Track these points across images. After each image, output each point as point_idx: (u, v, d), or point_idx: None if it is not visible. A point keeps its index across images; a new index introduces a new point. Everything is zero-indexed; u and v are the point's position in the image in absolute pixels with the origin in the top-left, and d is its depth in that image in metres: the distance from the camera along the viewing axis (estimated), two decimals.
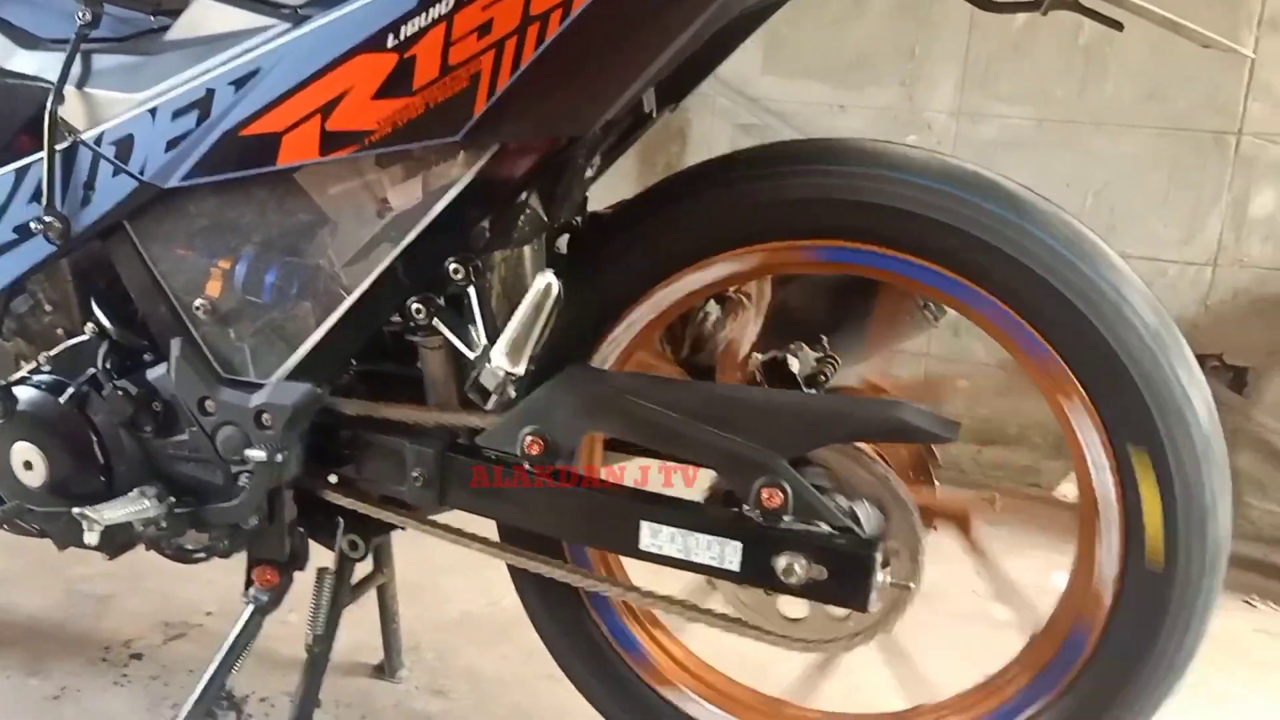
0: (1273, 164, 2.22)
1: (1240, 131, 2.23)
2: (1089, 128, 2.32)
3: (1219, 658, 1.73)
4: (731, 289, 1.16)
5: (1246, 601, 1.97)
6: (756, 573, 0.96)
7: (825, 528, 0.95)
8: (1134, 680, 0.95)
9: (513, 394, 0.99)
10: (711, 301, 1.17)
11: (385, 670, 1.51)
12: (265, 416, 1.05)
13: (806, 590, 0.95)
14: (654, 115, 1.10)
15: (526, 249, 1.09)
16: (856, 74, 2.51)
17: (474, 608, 1.72)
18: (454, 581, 1.77)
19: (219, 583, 1.60)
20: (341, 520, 1.18)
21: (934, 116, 2.45)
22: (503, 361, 0.95)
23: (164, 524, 1.10)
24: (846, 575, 0.94)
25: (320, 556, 1.22)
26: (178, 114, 1.01)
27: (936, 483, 1.10)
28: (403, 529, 1.19)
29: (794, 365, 1.11)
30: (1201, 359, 2.40)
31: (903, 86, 2.47)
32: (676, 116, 2.68)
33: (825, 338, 1.18)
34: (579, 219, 1.16)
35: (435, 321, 1.00)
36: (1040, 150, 2.36)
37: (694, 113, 2.65)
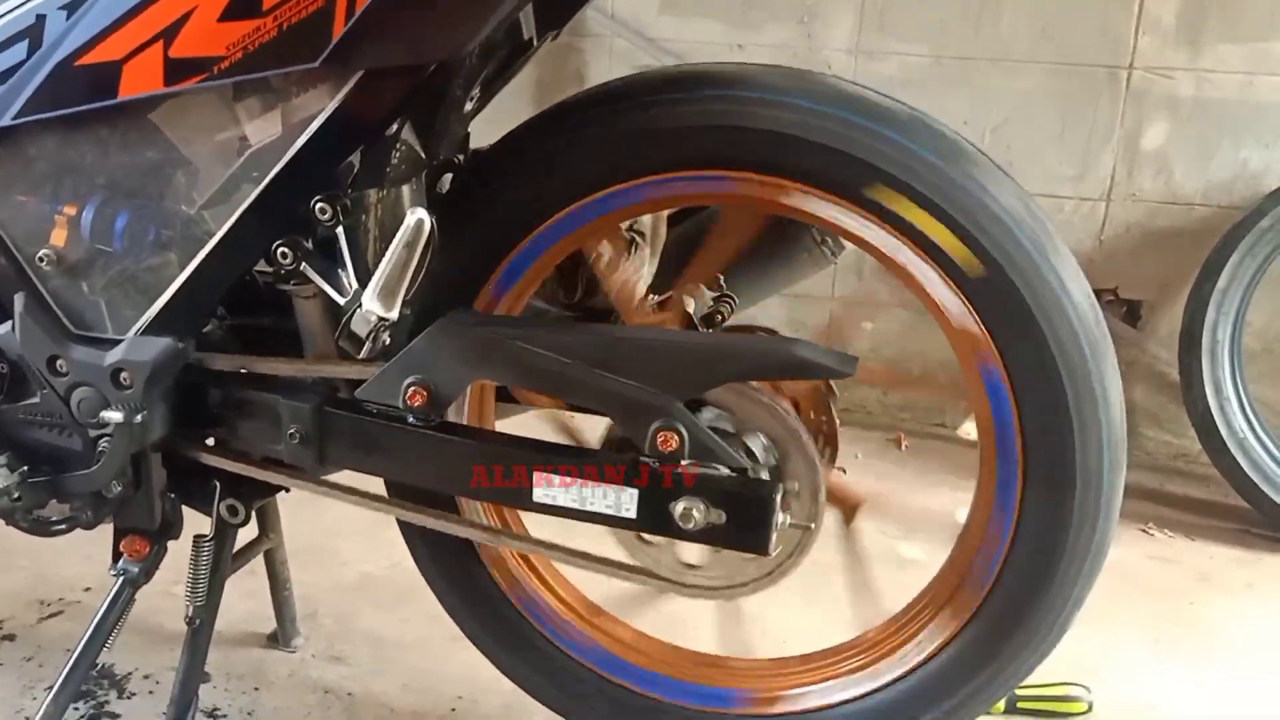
0: (1163, 98, 2.25)
1: (1131, 66, 2.25)
2: (985, 65, 2.32)
3: (1116, 585, 1.78)
4: (623, 227, 1.11)
5: (1143, 530, 2.03)
6: (654, 520, 0.93)
7: (723, 470, 0.92)
8: (1036, 606, 0.95)
9: (387, 341, 0.93)
10: (603, 241, 1.13)
11: (279, 639, 1.44)
12: (123, 375, 0.97)
13: (705, 535, 0.92)
14: (535, 42, 1.04)
15: (405, 189, 1.02)
16: (755, 12, 2.46)
17: (374, 570, 1.66)
18: (353, 545, 1.71)
19: (97, 558, 1.51)
20: (218, 484, 1.10)
21: (833, 55, 2.43)
22: (374, 305, 0.89)
23: (17, 494, 1.02)
24: (746, 519, 0.91)
25: (197, 523, 1.14)
26: (5, 44, 0.92)
27: (838, 422, 1.08)
28: (286, 490, 1.13)
29: (690, 305, 1.08)
30: (1097, 293, 2.46)
31: (801, 25, 2.44)
32: (572, 58, 2.60)
33: (722, 277, 1.14)
34: (461, 156, 1.10)
35: (303, 266, 0.94)
36: (938, 88, 2.35)
37: (590, 54, 2.58)
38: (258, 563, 1.40)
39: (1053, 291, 0.89)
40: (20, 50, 0.92)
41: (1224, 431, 2.04)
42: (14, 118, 0.93)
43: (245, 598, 1.50)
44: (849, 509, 1.05)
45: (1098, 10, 2.24)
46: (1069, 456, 0.91)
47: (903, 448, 2.39)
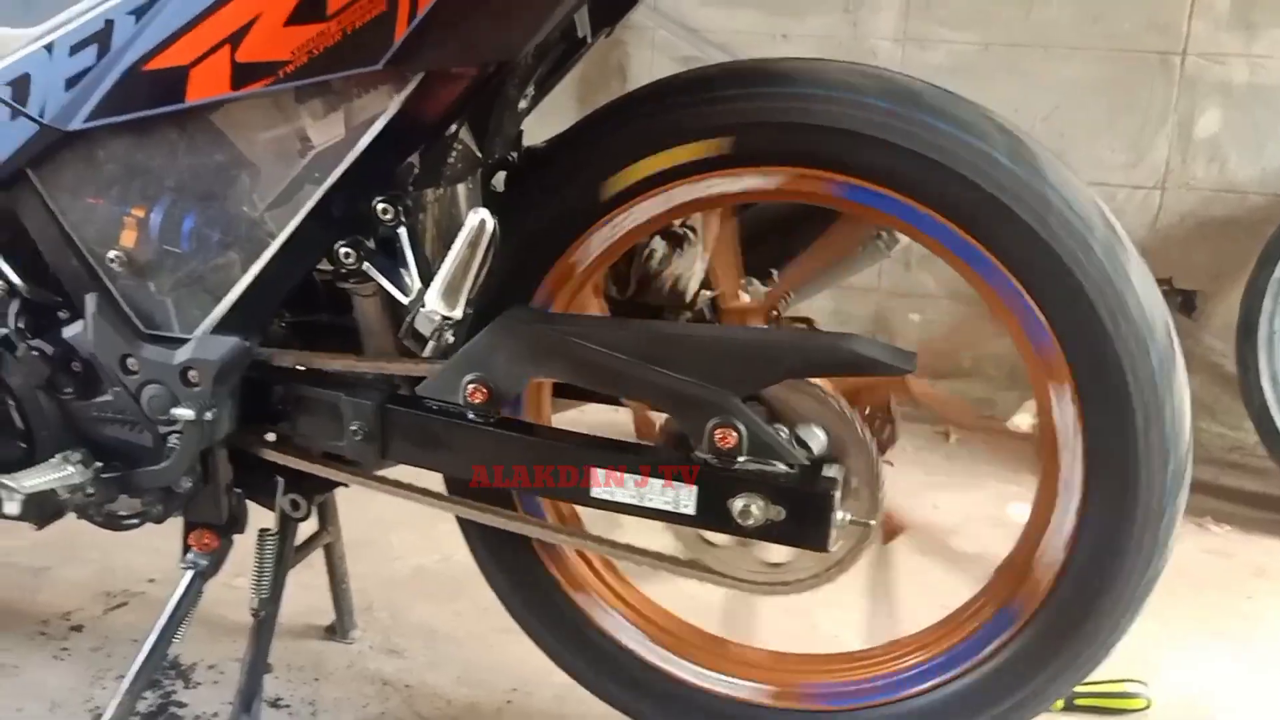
0: (1217, 84, 2.21)
1: (1184, 52, 2.21)
2: (1035, 51, 2.30)
3: (1172, 580, 1.74)
4: (677, 223, 1.12)
5: (1198, 524, 2.00)
6: (713, 516, 0.93)
7: (782, 467, 0.92)
8: (1098, 605, 0.94)
9: (450, 339, 0.95)
10: (657, 238, 1.13)
11: (337, 631, 1.47)
12: (191, 373, 1.00)
13: (764, 532, 0.92)
14: (589, 40, 1.05)
15: (460, 187, 1.03)
16: (798, 1, 2.45)
17: (426, 563, 1.68)
18: (404, 537, 1.73)
19: (161, 550, 1.54)
20: (281, 479, 1.12)
21: (878, 44, 2.41)
22: (438, 305, 0.90)
23: (91, 490, 1.04)
24: (805, 515, 0.91)
25: (262, 517, 1.17)
26: (76, 49, 0.94)
27: (897, 418, 1.08)
28: (346, 486, 1.15)
29: (744, 300, 1.08)
30: None
31: (846, 13, 2.42)
32: (615, 51, 2.61)
33: (775, 271, 1.14)
34: (515, 154, 1.11)
35: (365, 266, 0.95)
36: (986, 75, 2.33)
37: (633, 46, 2.59)
38: (313, 556, 1.42)
39: (1121, 297, 0.89)
40: (90, 55, 0.94)
41: None
42: (84, 122, 0.95)
43: (303, 590, 1.52)
44: (890, 532, 1.05)
45: None
46: (1133, 452, 0.90)
47: (951, 440, 2.37)
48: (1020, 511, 1.02)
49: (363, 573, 1.59)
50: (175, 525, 1.12)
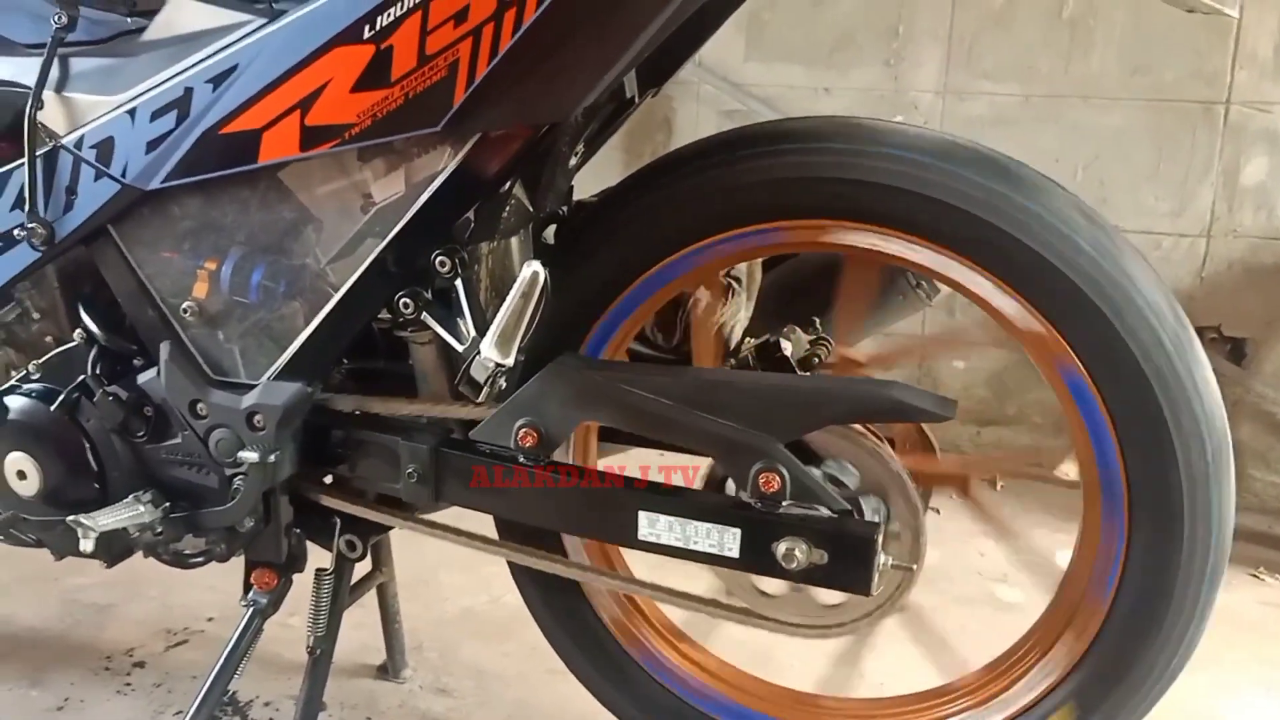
0: (1261, 132, 2.21)
1: (1228, 101, 2.22)
2: (1076, 102, 2.32)
3: (1227, 631, 1.73)
4: (721, 273, 1.15)
5: (1253, 575, 1.97)
6: (756, 559, 0.95)
7: (825, 511, 0.94)
8: (1145, 651, 0.95)
9: (503, 385, 0.98)
10: (701, 287, 1.17)
11: (389, 670, 1.50)
12: (257, 418, 1.04)
13: (808, 575, 0.94)
14: (636, 100, 1.09)
15: (513, 240, 1.08)
16: (840, 55, 2.50)
17: (474, 604, 1.71)
18: (453, 578, 1.77)
19: (219, 588, 1.60)
20: (338, 520, 1.17)
21: (920, 96, 2.44)
22: (492, 353, 0.94)
23: (160, 529, 1.09)
24: (848, 558, 0.93)
25: (319, 557, 1.21)
26: (157, 114, 1.00)
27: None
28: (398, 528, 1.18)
29: (787, 348, 1.11)
30: (1199, 331, 2.41)
31: (887, 66, 2.47)
32: (660, 105, 2.67)
33: (818, 320, 1.17)
34: (565, 208, 1.16)
35: (424, 316, 1.00)
36: (1028, 126, 2.35)
37: (678, 100, 2.65)
38: (363, 595, 1.46)
39: (1149, 325, 0.91)
40: (170, 120, 1.00)
41: None
42: (163, 182, 1.01)
43: (354, 629, 1.56)
44: (959, 483, 1.06)
45: (1192, 45, 2.22)
46: (1175, 494, 0.91)
47: (998, 488, 2.36)
48: (1066, 559, 1.03)
49: (413, 613, 1.63)
50: (231, 565, 1.16)
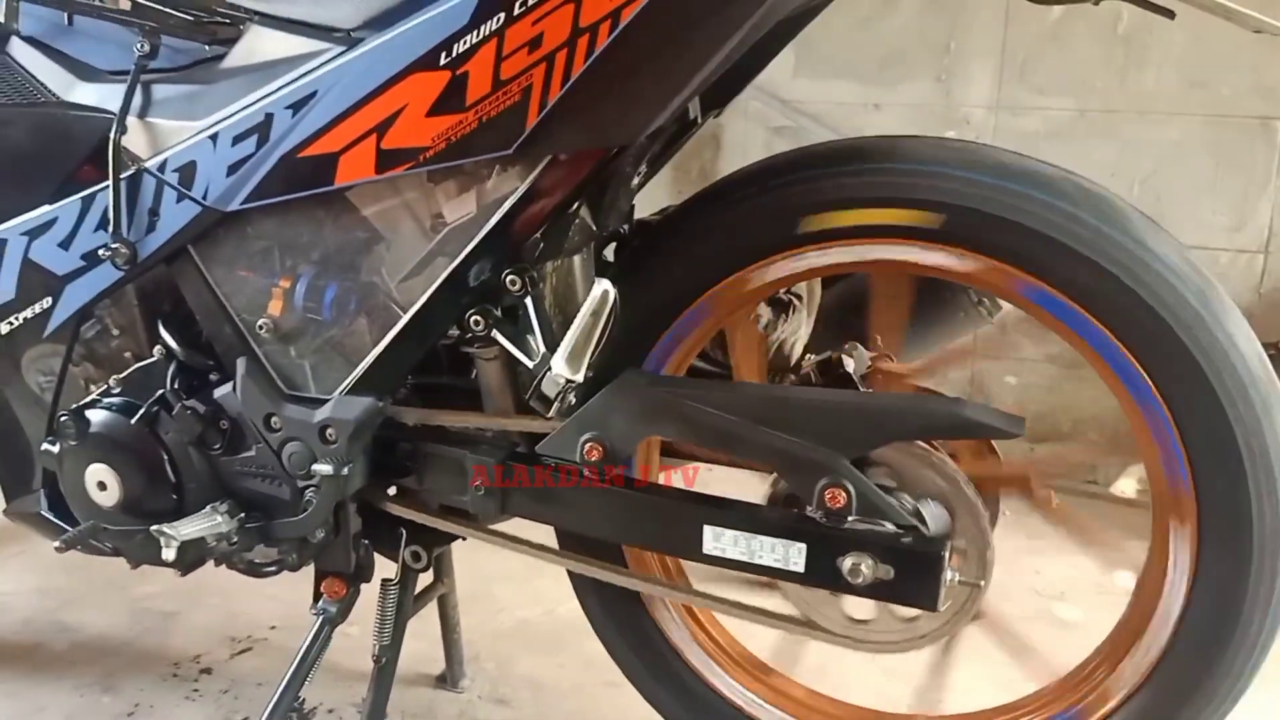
0: None
1: None
2: (1132, 117, 2.30)
3: None
4: (782, 291, 1.16)
5: None
6: (822, 574, 0.96)
7: (891, 527, 0.95)
8: (1213, 668, 0.94)
9: (573, 400, 1.00)
10: (763, 304, 1.18)
11: (448, 680, 1.53)
12: (329, 431, 1.07)
13: (874, 591, 0.95)
14: (699, 121, 1.11)
15: (576, 258, 1.10)
16: (890, 71, 2.50)
17: (529, 615, 1.73)
18: (507, 590, 1.79)
19: (281, 598, 1.63)
20: (404, 531, 1.19)
21: (972, 111, 2.44)
22: (563, 369, 0.96)
23: (235, 539, 1.12)
24: (914, 575, 0.93)
25: (383, 568, 1.23)
26: (238, 139, 1.03)
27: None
28: (464, 539, 1.21)
29: (849, 365, 1.12)
30: None
31: (939, 82, 2.47)
32: (709, 122, 2.69)
33: (879, 336, 1.18)
34: (626, 227, 1.18)
35: (494, 333, 1.02)
36: (1083, 141, 2.34)
37: (726, 117, 2.64)
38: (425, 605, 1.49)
39: (1220, 346, 0.91)
40: (250, 144, 1.03)
41: None
42: (242, 203, 1.04)
43: (413, 639, 1.58)
44: (1021, 484, 1.06)
45: (1250, 61, 2.20)
46: (1245, 511, 0.91)
47: (1053, 505, 2.34)
48: (1127, 579, 1.03)
49: (469, 624, 1.65)
50: (287, 576, 1.19)
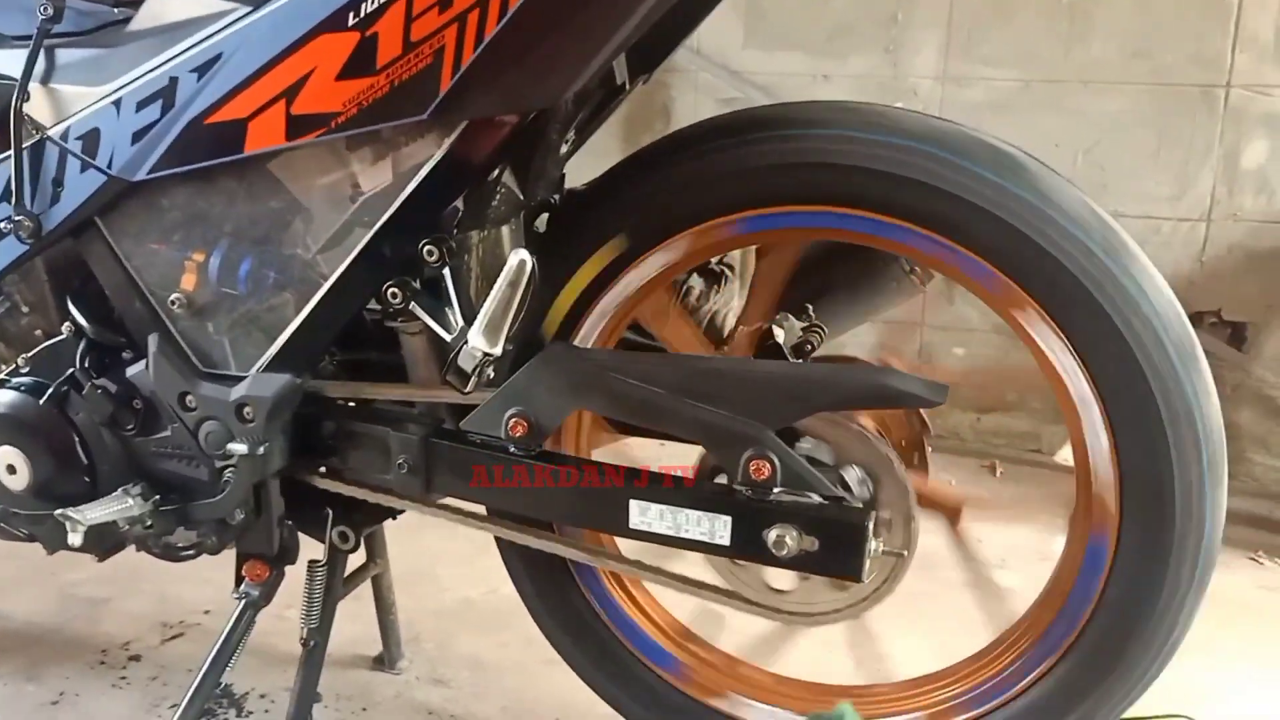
0: (1262, 115, 2.20)
1: (1229, 84, 2.21)
2: (1076, 87, 2.30)
3: (1225, 614, 1.73)
4: (714, 261, 1.14)
5: (1252, 558, 1.97)
6: (747, 546, 0.95)
7: (816, 498, 0.94)
8: (1137, 636, 0.94)
9: (490, 375, 0.98)
10: (695, 275, 1.16)
11: (385, 661, 1.50)
12: (246, 409, 1.04)
13: (799, 562, 0.94)
14: (627, 87, 1.08)
15: (504, 229, 1.07)
16: (839, 42, 2.48)
17: (473, 595, 1.71)
18: (451, 570, 1.77)
19: (216, 581, 1.59)
20: (330, 512, 1.16)
21: (919, 82, 2.43)
22: (479, 342, 0.93)
23: (149, 522, 1.08)
24: (839, 545, 0.92)
25: (313, 549, 1.20)
26: (142, 105, 0.99)
27: (929, 449, 1.09)
28: (394, 518, 1.18)
29: (780, 336, 1.10)
30: (1199, 315, 2.40)
31: (886, 53, 2.45)
32: (658, 93, 2.66)
33: (811, 307, 1.16)
34: (557, 197, 1.15)
35: (412, 305, 0.99)
36: (1028, 112, 2.34)
37: (676, 89, 2.63)
38: (361, 588, 1.46)
39: (1132, 301, 0.90)
40: (155, 110, 0.99)
41: None
42: (149, 173, 1.00)
43: (350, 621, 1.56)
44: (951, 512, 1.06)
45: (1192, 30, 2.20)
46: (1166, 479, 0.90)
47: (997, 475, 2.36)
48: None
49: (410, 605, 1.63)
50: (229, 558, 1.16)
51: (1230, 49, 2.19)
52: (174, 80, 0.97)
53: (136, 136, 1.00)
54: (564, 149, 1.11)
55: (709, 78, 2.59)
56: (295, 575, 1.19)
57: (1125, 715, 1.30)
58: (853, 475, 0.97)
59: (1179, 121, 2.25)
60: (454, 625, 1.63)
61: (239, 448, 1.03)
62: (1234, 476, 2.27)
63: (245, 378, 1.04)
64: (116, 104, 1.00)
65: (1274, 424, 2.26)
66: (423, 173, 0.94)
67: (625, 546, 1.10)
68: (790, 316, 1.12)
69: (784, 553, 0.92)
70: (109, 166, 1.01)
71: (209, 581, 1.64)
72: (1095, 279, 0.90)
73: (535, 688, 1.46)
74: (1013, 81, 2.35)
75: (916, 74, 2.44)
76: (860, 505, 0.95)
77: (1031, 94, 2.34)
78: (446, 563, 1.78)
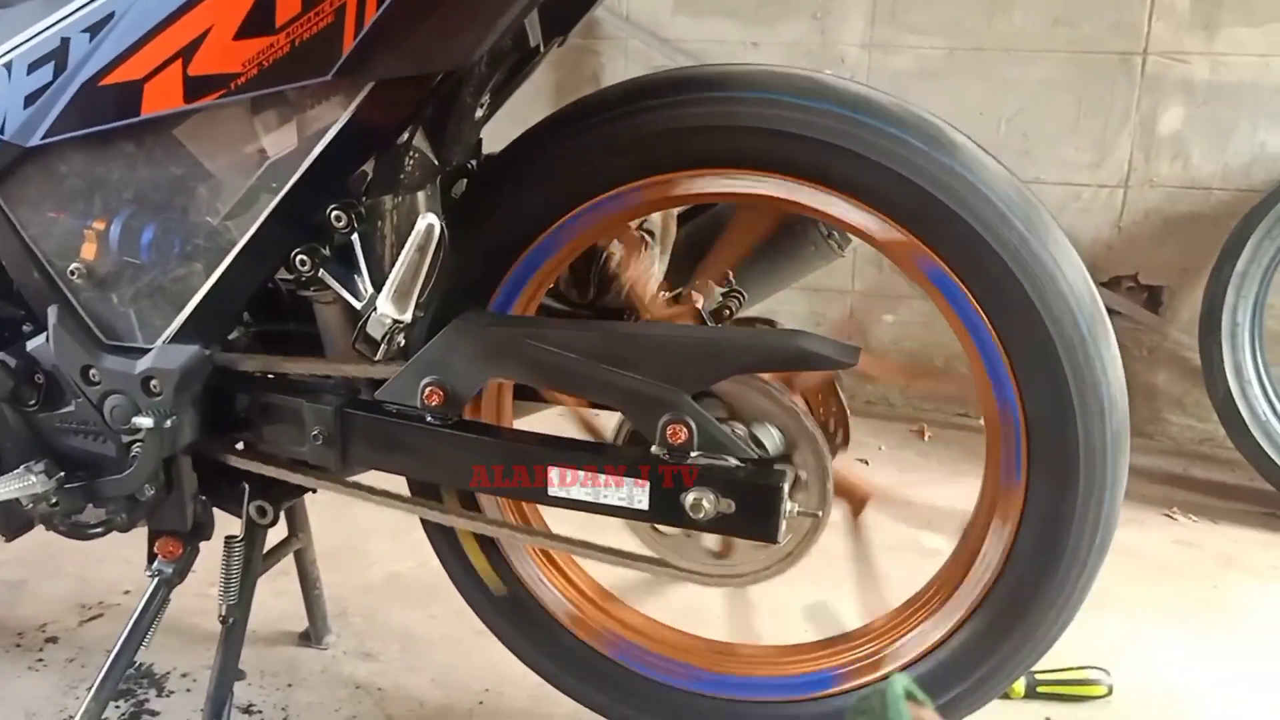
0: (1178, 82, 2.24)
1: (1145, 52, 2.24)
2: (999, 55, 2.33)
3: (1140, 570, 1.78)
4: (634, 226, 1.13)
5: (1167, 515, 2.02)
6: (666, 510, 0.95)
7: (732, 461, 0.94)
8: (1043, 590, 0.96)
9: (401, 342, 0.96)
10: (614, 241, 1.15)
11: (311, 637, 1.48)
12: (153, 382, 1.01)
13: (716, 525, 0.94)
14: (542, 49, 1.06)
15: (420, 195, 1.05)
16: (767, 9, 2.48)
17: (402, 568, 1.70)
18: (382, 544, 1.75)
19: (136, 561, 1.54)
20: (247, 486, 1.14)
21: (846, 50, 2.44)
22: (389, 309, 0.92)
23: (55, 500, 1.06)
24: (755, 507, 0.93)
25: (232, 524, 1.18)
26: (33, 67, 0.96)
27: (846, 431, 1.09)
28: (314, 491, 1.16)
29: (699, 301, 1.10)
30: (1117, 280, 2.44)
31: (814, 20, 2.45)
32: (588, 61, 2.63)
33: (730, 273, 1.16)
34: (474, 162, 1.13)
35: (321, 273, 0.97)
36: (953, 79, 2.36)
37: (606, 56, 2.61)
38: (290, 563, 1.44)
39: (1047, 271, 0.91)
40: (47, 72, 0.95)
41: (1246, 414, 2.03)
42: (43, 137, 0.97)
43: (278, 597, 1.54)
44: (857, 502, 1.07)
45: None
46: (1071, 438, 0.92)
47: (926, 439, 2.39)
48: None
49: (339, 580, 1.61)
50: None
51: (1148, 17, 2.23)
52: (65, 41, 0.94)
53: (29, 100, 0.96)
54: (479, 113, 1.09)
55: (639, 44, 2.57)
56: (218, 551, 1.17)
57: (1042, 668, 1.34)
58: (769, 437, 0.97)
59: (1099, 89, 2.28)
60: (383, 599, 1.61)
61: (145, 422, 1.00)
62: (1150, 436, 2.36)
63: (151, 349, 1.02)
64: (7, 67, 0.96)
65: (1189, 384, 2.32)
66: (329, 136, 0.92)
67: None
68: (710, 282, 1.12)
69: (701, 516, 0.93)
70: (1, 132, 0.97)
71: (129, 561, 1.61)
72: (1014, 252, 0.90)
73: (466, 659, 1.45)
74: (938, 49, 2.37)
75: (844, 42, 2.44)
76: (776, 468, 0.95)
77: (956, 62, 2.36)
78: (375, 537, 1.76)
